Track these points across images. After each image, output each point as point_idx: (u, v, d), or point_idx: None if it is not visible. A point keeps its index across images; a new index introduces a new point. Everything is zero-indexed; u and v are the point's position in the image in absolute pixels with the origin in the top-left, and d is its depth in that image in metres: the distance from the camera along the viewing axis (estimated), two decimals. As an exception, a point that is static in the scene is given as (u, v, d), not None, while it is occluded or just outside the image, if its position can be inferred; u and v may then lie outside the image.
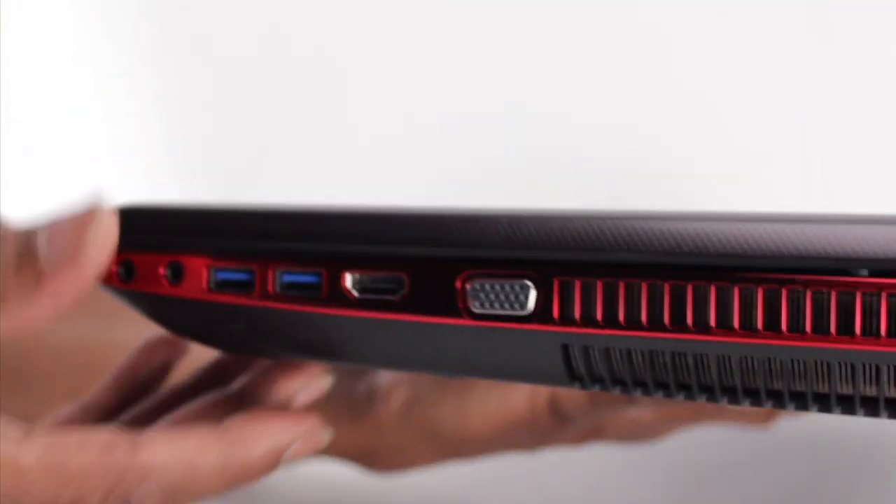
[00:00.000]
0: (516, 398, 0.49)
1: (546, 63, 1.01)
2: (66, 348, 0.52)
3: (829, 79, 0.91)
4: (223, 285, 0.35)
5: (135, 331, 0.44)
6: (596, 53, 0.99)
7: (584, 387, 0.33)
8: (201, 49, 1.11)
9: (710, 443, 0.54)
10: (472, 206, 0.33)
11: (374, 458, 0.53)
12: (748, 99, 0.95)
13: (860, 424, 0.36)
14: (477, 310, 0.32)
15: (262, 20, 1.08)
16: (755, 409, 0.44)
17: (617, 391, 0.33)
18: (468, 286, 0.32)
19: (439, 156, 1.07)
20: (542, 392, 0.48)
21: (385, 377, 0.52)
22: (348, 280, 0.34)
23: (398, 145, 1.08)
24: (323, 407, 0.52)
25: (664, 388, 0.32)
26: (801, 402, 0.31)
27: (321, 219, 0.34)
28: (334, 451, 0.53)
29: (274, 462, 0.35)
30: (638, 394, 0.33)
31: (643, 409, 0.47)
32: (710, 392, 0.32)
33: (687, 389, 0.32)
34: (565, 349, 0.32)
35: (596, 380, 0.33)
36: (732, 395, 0.31)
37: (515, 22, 1.00)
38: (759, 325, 0.29)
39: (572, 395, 0.47)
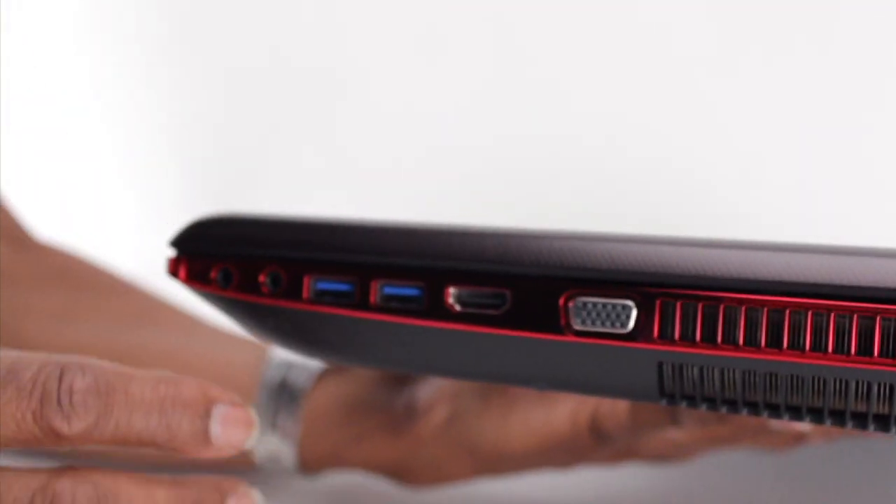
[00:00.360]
0: (559, 417, 0.50)
1: (571, 85, 1.02)
2: None
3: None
4: (323, 295, 0.37)
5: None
6: (616, 73, 1.00)
7: (672, 403, 0.35)
8: (207, 52, 1.12)
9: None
10: (574, 230, 0.35)
11: (409, 472, 0.54)
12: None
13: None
14: (578, 327, 0.34)
15: (267, 26, 1.09)
16: (788, 431, 0.46)
17: (704, 408, 0.35)
18: (571, 304, 0.34)
19: (448, 170, 1.08)
20: (584, 411, 0.50)
21: (426, 391, 0.53)
22: (451, 294, 0.35)
23: (406, 159, 1.08)
24: (361, 420, 0.53)
25: (752, 406, 0.34)
26: (884, 424, 0.33)
27: (425, 234, 0.36)
28: (370, 465, 0.54)
29: None
30: (724, 411, 0.35)
31: (683, 431, 0.49)
32: (796, 412, 0.34)
33: (774, 408, 0.34)
34: (660, 367, 0.34)
35: (686, 397, 0.35)
36: (818, 415, 0.33)
37: (525, 37, 1.01)
38: (853, 349, 0.31)
39: (614, 416, 0.49)
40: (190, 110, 1.13)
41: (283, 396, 0.54)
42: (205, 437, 0.35)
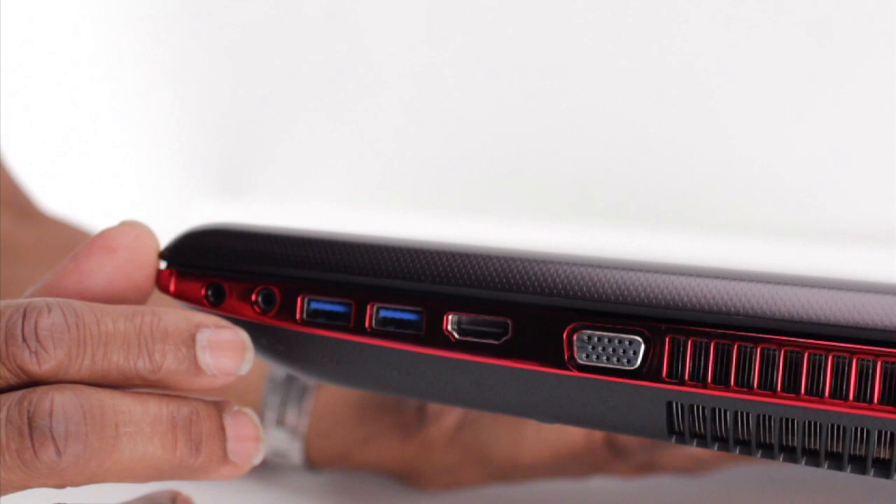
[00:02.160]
0: (574, 430, 0.48)
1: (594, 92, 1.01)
2: None
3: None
4: (318, 316, 0.35)
5: None
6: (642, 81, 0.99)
7: (681, 441, 0.33)
8: (214, 33, 1.11)
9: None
10: (582, 255, 0.33)
11: (418, 476, 0.53)
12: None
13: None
14: (583, 361, 0.32)
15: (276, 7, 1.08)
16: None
17: (715, 448, 0.33)
18: (575, 337, 0.32)
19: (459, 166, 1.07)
20: (599, 424, 0.48)
21: (437, 396, 0.52)
22: (449, 321, 0.33)
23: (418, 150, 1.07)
24: (371, 422, 0.52)
25: (766, 448, 0.32)
26: None
27: (426, 256, 0.34)
28: (378, 466, 0.53)
29: None
30: (737, 452, 0.33)
31: (703, 447, 0.47)
32: (814, 457, 0.32)
33: (790, 452, 0.32)
34: (669, 406, 0.32)
35: (696, 436, 0.32)
36: (837, 462, 0.31)
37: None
38: (876, 397, 0.29)
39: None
40: (196, 86, 1.12)
41: (290, 391, 0.53)
42: (194, 365, 0.32)
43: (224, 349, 0.33)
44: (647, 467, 0.50)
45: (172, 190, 1.11)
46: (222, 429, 0.32)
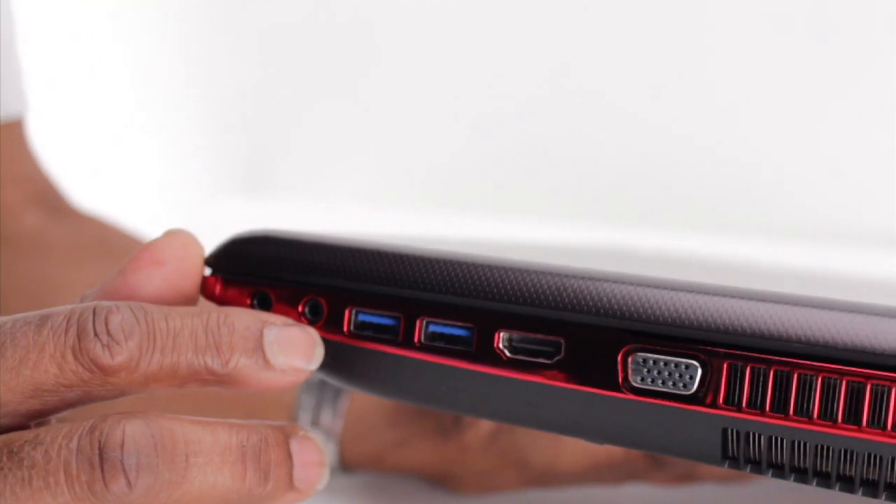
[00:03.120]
0: (614, 438, 0.48)
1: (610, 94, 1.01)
2: None
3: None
4: (364, 328, 0.34)
5: None
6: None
7: (734, 467, 0.32)
8: (240, 17, 1.10)
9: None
10: (641, 275, 0.32)
11: (454, 480, 0.52)
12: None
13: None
14: (637, 384, 0.31)
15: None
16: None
17: (769, 475, 0.32)
18: (630, 359, 0.31)
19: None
20: (640, 433, 0.47)
21: (475, 400, 0.51)
22: (501, 339, 0.33)
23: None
24: (407, 424, 0.51)
25: (824, 477, 0.31)
26: None
27: (478, 271, 0.33)
28: (417, 468, 0.53)
29: None
30: (791, 479, 0.32)
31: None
32: (873, 488, 0.31)
33: (848, 482, 0.31)
34: (724, 432, 0.31)
35: (750, 463, 0.32)
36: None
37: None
38: None
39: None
40: (221, 84, 1.12)
41: (325, 393, 0.52)
42: (263, 360, 0.32)
43: (293, 345, 0.33)
44: (686, 477, 0.50)
45: (198, 187, 1.11)
46: (290, 456, 0.32)
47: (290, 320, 0.33)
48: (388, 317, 0.34)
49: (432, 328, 0.34)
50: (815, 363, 0.30)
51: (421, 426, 0.52)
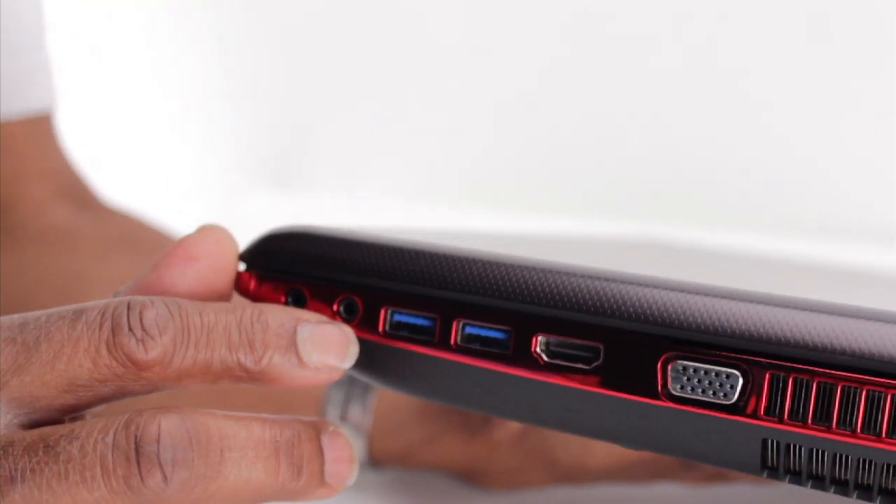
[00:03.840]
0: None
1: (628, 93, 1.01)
2: None
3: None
4: (400, 328, 0.34)
5: None
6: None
7: (774, 477, 0.32)
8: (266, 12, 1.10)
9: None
10: (682, 281, 0.32)
11: (483, 476, 0.52)
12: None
13: None
14: (676, 392, 0.31)
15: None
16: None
17: (809, 486, 0.32)
18: (670, 367, 0.31)
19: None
20: (671, 434, 0.47)
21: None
22: (538, 342, 0.32)
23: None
24: (436, 421, 0.51)
25: (865, 490, 0.31)
26: None
27: (517, 273, 0.33)
28: (445, 465, 0.52)
29: None
30: (832, 492, 0.31)
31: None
32: (915, 502, 0.30)
33: (890, 496, 0.31)
34: (764, 443, 0.31)
35: (790, 473, 0.31)
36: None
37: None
38: None
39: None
40: (250, 77, 1.11)
41: (354, 388, 0.52)
42: (296, 358, 0.32)
43: (327, 343, 0.32)
44: (717, 476, 0.49)
45: (228, 181, 1.11)
46: (321, 451, 0.32)
47: (324, 318, 0.33)
48: (425, 317, 0.34)
49: (469, 330, 0.33)
50: (860, 376, 0.29)
51: (450, 423, 0.51)
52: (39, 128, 0.58)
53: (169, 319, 0.30)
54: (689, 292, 0.31)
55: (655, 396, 0.31)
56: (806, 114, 0.98)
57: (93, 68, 1.02)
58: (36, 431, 0.29)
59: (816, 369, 0.30)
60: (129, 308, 0.30)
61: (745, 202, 1.00)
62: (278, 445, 0.31)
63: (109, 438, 0.29)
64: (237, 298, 0.36)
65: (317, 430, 0.32)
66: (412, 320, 0.34)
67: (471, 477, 0.52)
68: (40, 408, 0.30)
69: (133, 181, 0.99)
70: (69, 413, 0.31)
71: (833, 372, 0.29)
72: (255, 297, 0.36)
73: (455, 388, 0.34)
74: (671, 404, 0.31)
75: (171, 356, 0.30)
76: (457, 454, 0.52)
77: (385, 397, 0.52)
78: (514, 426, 0.51)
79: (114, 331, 0.30)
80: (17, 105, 0.55)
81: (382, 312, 0.34)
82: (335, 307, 0.35)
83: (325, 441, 0.32)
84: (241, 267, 0.36)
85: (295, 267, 0.35)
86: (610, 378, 0.32)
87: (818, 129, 0.97)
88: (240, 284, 0.36)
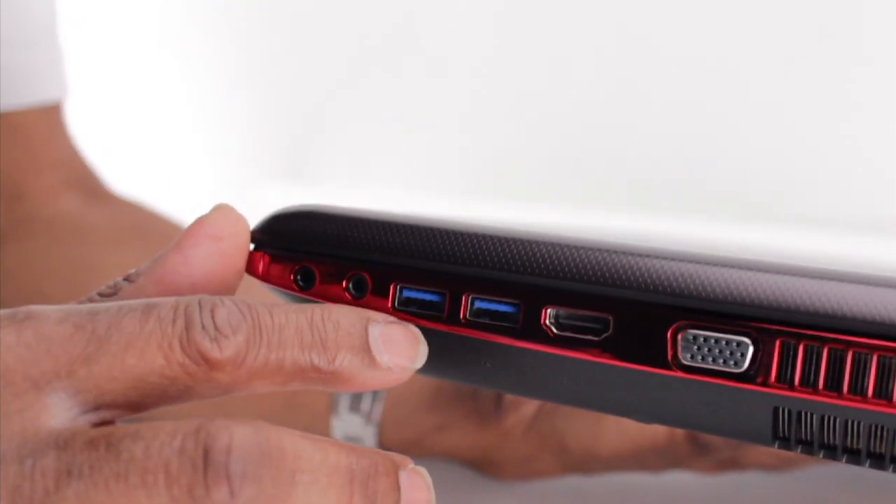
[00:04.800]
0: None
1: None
2: None
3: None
4: (409, 304, 0.34)
5: None
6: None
7: (785, 448, 0.32)
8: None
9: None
10: (690, 251, 0.31)
11: (494, 465, 0.52)
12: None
13: None
14: (687, 362, 0.31)
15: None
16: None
17: (821, 455, 0.31)
18: (680, 336, 0.31)
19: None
20: (683, 419, 0.47)
21: (515, 385, 0.51)
22: (548, 315, 0.32)
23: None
24: (447, 409, 0.51)
25: (877, 458, 0.31)
26: None
27: (525, 246, 0.33)
28: (456, 453, 0.52)
29: None
30: (843, 461, 0.31)
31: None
32: (927, 470, 0.30)
33: (902, 463, 0.30)
34: (776, 412, 0.31)
35: (801, 443, 0.31)
36: (953, 475, 0.30)
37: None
38: None
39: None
40: (263, 69, 1.12)
41: None
42: (369, 358, 0.31)
43: (397, 343, 0.32)
44: (729, 464, 0.49)
45: (239, 172, 1.11)
46: (398, 487, 0.30)
47: (391, 318, 0.32)
48: (434, 293, 0.34)
49: (478, 304, 0.33)
50: (870, 341, 0.29)
51: (461, 410, 0.51)
52: (50, 118, 0.58)
53: (241, 318, 0.29)
54: (698, 262, 0.31)
55: (666, 366, 0.31)
56: (807, 107, 0.98)
57: (105, 59, 1.03)
58: (100, 428, 0.28)
59: (826, 335, 0.29)
60: (200, 306, 0.29)
61: (748, 195, 1.00)
62: (353, 475, 0.29)
63: (177, 443, 0.27)
64: (246, 286, 0.36)
65: (395, 465, 0.30)
66: (421, 296, 0.34)
67: (482, 466, 0.52)
68: (105, 403, 0.29)
69: (144, 172, 1.00)
70: (133, 412, 0.30)
71: (843, 337, 0.29)
72: (264, 277, 0.36)
73: (465, 364, 0.34)
74: (682, 374, 0.31)
75: (244, 356, 0.29)
76: (468, 442, 0.52)
77: (395, 385, 0.52)
78: (524, 413, 0.50)
79: (187, 328, 0.29)
80: (27, 95, 0.55)
81: (392, 288, 0.34)
82: (344, 284, 0.35)
83: (403, 478, 0.30)
84: (251, 246, 0.36)
85: (304, 245, 0.35)
86: (620, 349, 0.32)
87: (819, 123, 0.97)
88: (249, 264, 0.36)
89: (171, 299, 0.30)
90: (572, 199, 1.03)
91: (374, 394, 0.52)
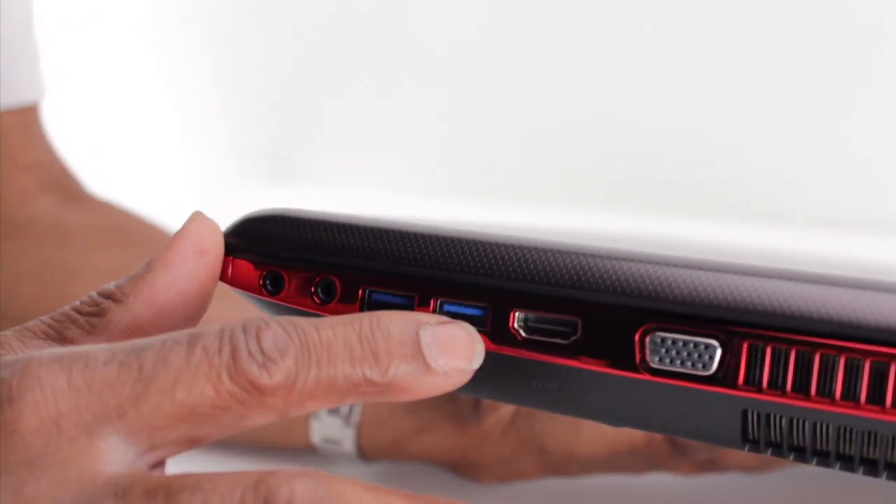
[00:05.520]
0: (634, 424, 0.47)
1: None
2: None
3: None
4: (378, 307, 0.34)
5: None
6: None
7: (755, 450, 0.31)
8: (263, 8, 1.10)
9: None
10: (658, 254, 0.31)
11: (473, 467, 0.52)
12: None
13: None
14: (655, 365, 0.31)
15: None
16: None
17: (791, 458, 0.31)
18: (648, 339, 0.31)
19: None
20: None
21: (494, 387, 0.50)
22: (516, 318, 0.32)
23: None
24: (426, 410, 0.51)
25: (846, 460, 0.31)
26: None
27: (493, 249, 0.33)
28: (435, 455, 0.52)
29: None
30: (814, 463, 0.31)
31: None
32: (894, 470, 0.30)
33: (871, 465, 0.30)
34: (744, 414, 0.30)
35: (771, 445, 0.31)
36: (922, 477, 0.30)
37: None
38: None
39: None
40: (245, 70, 1.11)
41: None
42: (423, 364, 0.30)
43: (452, 346, 0.30)
44: (708, 465, 0.49)
45: (222, 174, 1.11)
46: None
47: (444, 318, 0.31)
48: (402, 296, 0.33)
49: (447, 308, 0.33)
50: (837, 343, 0.29)
51: (440, 412, 0.51)
52: (26, 119, 0.57)
53: (288, 340, 0.29)
54: (665, 264, 0.31)
55: (634, 369, 0.31)
56: (804, 106, 0.97)
57: (83, 60, 1.02)
58: (159, 477, 0.27)
59: (793, 337, 0.29)
60: (245, 331, 0.29)
61: (745, 195, 1.00)
62: None
63: (236, 496, 0.26)
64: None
65: None
66: (390, 299, 0.34)
67: (462, 468, 0.52)
68: (158, 442, 0.28)
69: (125, 174, 0.99)
70: (190, 446, 0.29)
71: (810, 339, 0.29)
72: (234, 281, 0.36)
73: None
74: (650, 377, 0.31)
75: (295, 378, 0.28)
76: (447, 444, 0.51)
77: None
78: (503, 415, 0.50)
79: (234, 356, 0.28)
80: (3, 96, 0.55)
81: (360, 292, 0.34)
82: (313, 288, 0.35)
83: None
84: None
85: (272, 249, 0.35)
86: (588, 352, 0.31)
87: (816, 122, 0.97)
88: None
89: (216, 328, 0.29)
90: (558, 200, 1.03)
91: None
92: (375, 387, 0.30)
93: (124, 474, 0.27)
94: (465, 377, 0.31)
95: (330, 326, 0.29)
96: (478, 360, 0.31)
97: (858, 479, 0.50)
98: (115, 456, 0.27)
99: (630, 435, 0.47)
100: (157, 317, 0.32)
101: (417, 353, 0.30)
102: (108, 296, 0.32)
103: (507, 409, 0.50)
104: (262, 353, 0.28)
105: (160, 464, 0.29)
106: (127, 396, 0.28)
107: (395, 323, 0.30)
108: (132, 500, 0.26)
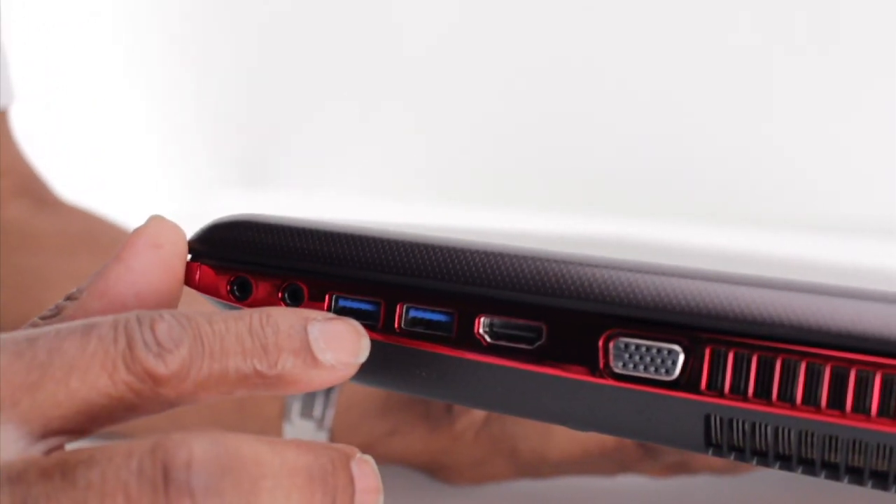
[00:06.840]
0: (605, 427, 0.47)
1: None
2: None
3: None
4: (345, 314, 0.34)
5: None
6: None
7: (718, 454, 0.32)
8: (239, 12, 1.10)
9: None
10: (622, 259, 0.31)
11: (446, 469, 0.52)
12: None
13: None
14: (618, 370, 0.31)
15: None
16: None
17: (754, 462, 0.32)
18: (612, 345, 0.31)
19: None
20: (631, 422, 0.47)
21: (465, 389, 0.51)
22: (481, 324, 0.32)
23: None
24: (398, 412, 0.51)
25: (808, 464, 0.31)
26: None
27: (459, 256, 0.33)
28: (407, 458, 0.52)
29: None
30: (776, 467, 0.31)
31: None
32: (858, 475, 0.30)
33: (833, 469, 0.31)
34: (707, 419, 0.31)
35: (734, 450, 0.31)
36: (882, 481, 0.30)
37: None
38: None
39: (663, 429, 0.46)
40: (217, 76, 1.11)
41: None
42: (311, 358, 0.30)
43: (338, 340, 0.31)
44: (679, 467, 0.49)
45: (192, 179, 1.11)
46: (352, 480, 0.30)
47: (331, 315, 0.32)
48: (369, 302, 0.34)
49: (413, 314, 0.33)
50: (799, 348, 0.29)
51: (412, 415, 0.51)
52: None
53: (181, 331, 0.29)
54: (629, 270, 0.31)
55: (598, 375, 0.31)
56: (801, 109, 0.98)
57: (52, 65, 1.02)
58: (52, 456, 0.27)
59: (755, 342, 0.29)
60: (139, 322, 0.29)
61: (738, 199, 1.00)
62: (312, 474, 0.29)
63: (134, 464, 0.26)
64: (187, 297, 0.36)
65: (347, 457, 0.30)
66: (356, 305, 0.34)
67: (434, 471, 0.52)
68: (53, 430, 0.28)
69: (98, 179, 0.99)
70: (82, 436, 0.29)
71: (772, 344, 0.29)
72: (201, 287, 0.36)
73: (401, 373, 0.34)
74: (614, 382, 0.31)
75: (189, 368, 0.29)
76: (419, 446, 0.51)
77: (346, 391, 0.52)
78: (475, 417, 0.50)
79: (129, 346, 0.28)
80: None
81: (327, 298, 0.34)
82: (280, 294, 0.35)
83: (355, 469, 0.30)
84: (188, 257, 0.36)
85: (240, 255, 0.35)
86: (552, 357, 0.32)
87: (812, 125, 0.98)
88: (187, 275, 0.36)
89: (110, 318, 0.29)
90: (538, 205, 1.03)
91: (326, 399, 0.52)
92: (265, 379, 0.30)
93: (17, 460, 0.27)
94: (352, 371, 0.32)
95: (222, 320, 0.30)
96: (363, 355, 0.32)
97: (826, 483, 0.50)
98: (8, 444, 0.27)
99: (601, 438, 0.48)
100: (108, 308, 0.32)
101: (305, 347, 0.31)
102: (69, 297, 0.32)
103: (479, 413, 0.50)
104: (158, 343, 0.29)
105: (56, 450, 0.29)
106: (20, 385, 0.28)
107: (284, 318, 0.31)
108: (28, 482, 0.26)
